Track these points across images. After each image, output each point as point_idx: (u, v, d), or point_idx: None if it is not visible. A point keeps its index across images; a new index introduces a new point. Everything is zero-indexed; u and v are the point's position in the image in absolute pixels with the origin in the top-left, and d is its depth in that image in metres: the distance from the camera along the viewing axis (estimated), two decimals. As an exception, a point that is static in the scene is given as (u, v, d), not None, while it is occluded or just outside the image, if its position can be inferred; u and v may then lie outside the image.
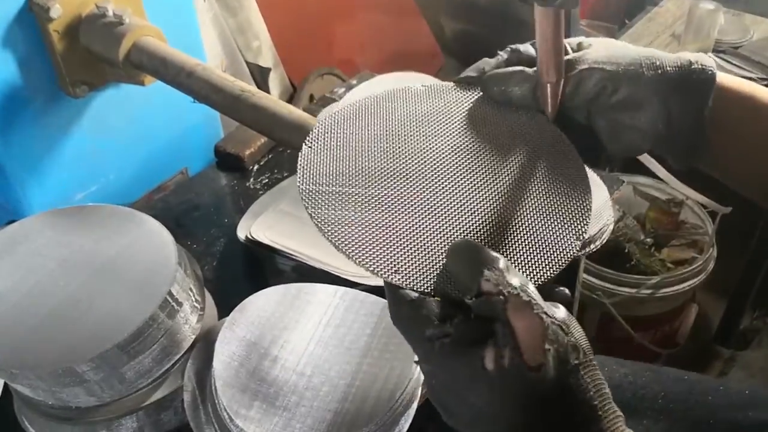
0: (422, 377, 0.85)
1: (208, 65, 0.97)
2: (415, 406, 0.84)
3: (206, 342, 0.86)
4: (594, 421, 0.48)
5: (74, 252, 0.83)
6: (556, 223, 0.59)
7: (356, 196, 0.59)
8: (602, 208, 1.10)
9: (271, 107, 0.89)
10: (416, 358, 0.53)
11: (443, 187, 0.61)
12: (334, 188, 0.60)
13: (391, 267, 0.56)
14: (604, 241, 1.07)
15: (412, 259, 0.56)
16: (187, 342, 0.83)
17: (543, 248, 0.57)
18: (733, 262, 1.72)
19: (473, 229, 0.58)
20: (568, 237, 0.58)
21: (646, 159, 1.62)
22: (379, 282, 0.99)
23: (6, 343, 0.76)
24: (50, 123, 1.12)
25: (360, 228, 0.58)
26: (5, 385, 0.91)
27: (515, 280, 0.49)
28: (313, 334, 0.88)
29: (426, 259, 0.56)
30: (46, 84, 1.08)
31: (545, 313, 0.48)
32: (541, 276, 0.55)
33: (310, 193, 0.60)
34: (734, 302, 1.80)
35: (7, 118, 1.05)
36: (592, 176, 1.14)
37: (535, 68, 0.61)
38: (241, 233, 1.07)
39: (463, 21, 2.43)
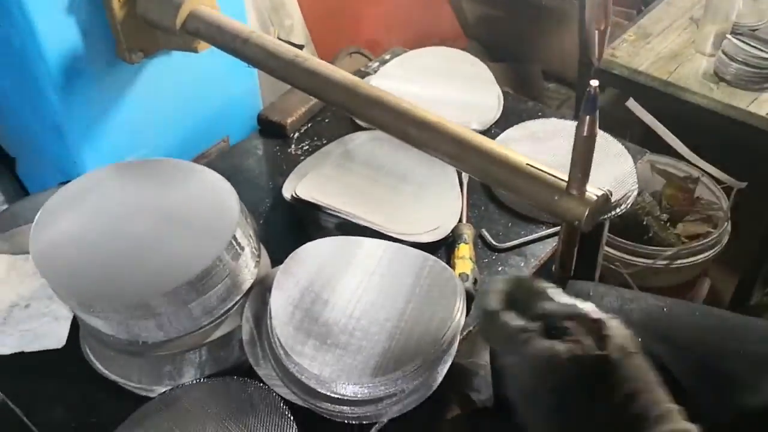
0: (462, 322, 0.92)
1: (262, 33, 1.03)
2: (455, 347, 0.91)
3: (262, 287, 0.93)
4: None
5: (143, 199, 0.90)
6: None
7: None
8: (627, 176, 1.16)
9: (323, 71, 0.96)
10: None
11: None
12: None
13: None
14: (629, 205, 1.14)
15: None
16: (247, 284, 0.90)
17: None
18: (747, 238, 1.77)
19: None
20: None
21: (665, 133, 1.69)
22: (419, 239, 1.05)
23: (85, 280, 0.83)
24: (106, 88, 1.18)
25: None
26: (72, 326, 0.99)
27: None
28: (361, 281, 0.94)
29: None
30: (105, 50, 1.14)
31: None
32: None
33: None
34: (746, 277, 1.85)
35: (68, 82, 1.12)
36: (618, 146, 1.22)
37: None
38: (287, 193, 1.13)
39: (484, 5, 2.49)
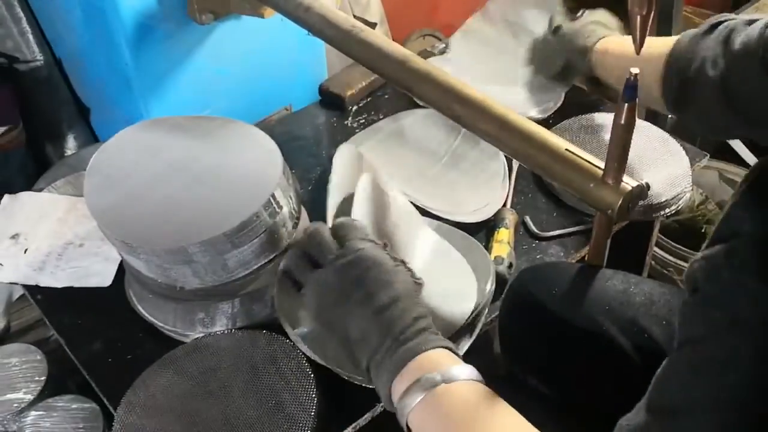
0: (486, 310, 0.93)
1: (324, 2, 1.05)
2: (479, 328, 0.91)
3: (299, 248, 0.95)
4: None
5: (193, 151, 0.94)
6: None
7: None
8: (681, 177, 1.14)
9: (377, 43, 0.97)
10: None
11: None
12: None
13: None
14: (680, 206, 1.12)
15: None
16: (283, 243, 0.93)
17: None
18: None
19: None
20: None
21: (737, 144, 1.64)
22: (461, 219, 1.06)
23: (129, 222, 0.87)
24: (176, 46, 1.23)
25: None
26: (118, 269, 1.04)
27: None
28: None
29: None
30: (177, 10, 1.19)
31: None
32: None
33: None
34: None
35: (140, 37, 1.17)
36: (675, 146, 1.19)
37: None
38: (337, 162, 1.16)
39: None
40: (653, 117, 1.78)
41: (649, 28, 0.66)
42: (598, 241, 0.86)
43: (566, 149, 0.81)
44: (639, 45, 0.68)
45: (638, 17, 0.65)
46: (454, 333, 0.88)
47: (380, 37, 0.98)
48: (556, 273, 0.94)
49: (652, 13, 0.65)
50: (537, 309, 0.91)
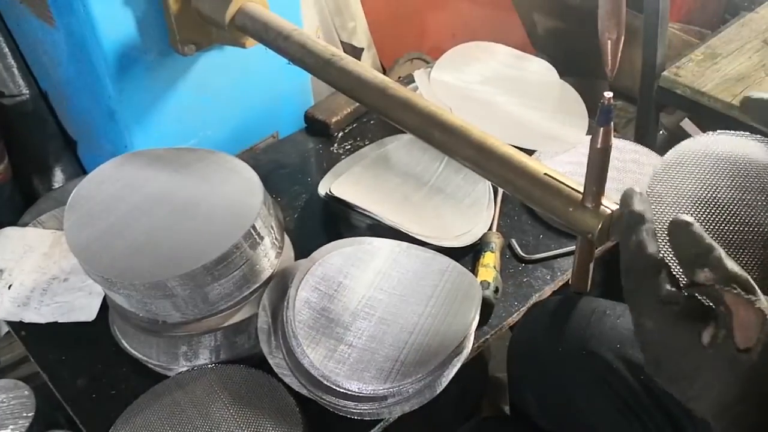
0: (472, 337, 0.92)
1: (304, 31, 1.05)
2: (466, 353, 0.91)
3: (282, 278, 0.95)
4: None
5: (173, 184, 0.93)
6: None
7: None
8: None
9: (357, 71, 0.97)
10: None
11: None
12: None
13: None
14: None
15: None
16: (266, 274, 0.92)
17: None
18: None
19: None
20: None
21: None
22: (446, 244, 1.05)
23: (108, 257, 0.86)
24: (159, 77, 1.23)
25: None
26: (103, 304, 1.03)
27: (734, 272, 0.52)
28: (380, 283, 0.95)
29: None
30: (159, 41, 1.19)
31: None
32: None
33: None
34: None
35: (123, 69, 1.17)
36: (655, 160, 1.19)
37: None
38: (322, 190, 1.15)
39: (556, 19, 2.46)
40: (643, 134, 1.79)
41: (619, 53, 0.66)
42: (581, 264, 0.85)
43: (545, 173, 0.81)
44: (611, 69, 0.68)
45: (609, 42, 0.65)
46: (446, 357, 0.87)
47: (360, 65, 0.97)
48: (563, 309, 0.92)
49: (622, 37, 0.65)
50: (545, 353, 0.90)
